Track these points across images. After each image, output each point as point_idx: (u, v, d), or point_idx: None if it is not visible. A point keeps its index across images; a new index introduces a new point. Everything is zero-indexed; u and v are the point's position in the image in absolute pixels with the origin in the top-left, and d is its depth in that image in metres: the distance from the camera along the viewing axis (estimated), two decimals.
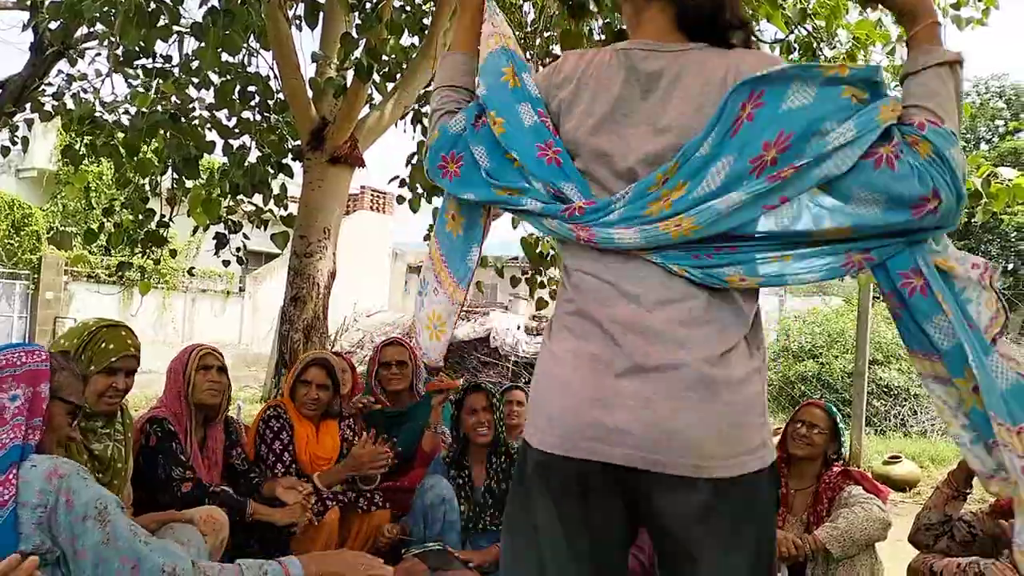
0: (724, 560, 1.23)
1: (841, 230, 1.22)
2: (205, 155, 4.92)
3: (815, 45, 3.96)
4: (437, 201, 5.20)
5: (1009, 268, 18.01)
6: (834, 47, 4.17)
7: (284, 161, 5.19)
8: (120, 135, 4.90)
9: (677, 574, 1.29)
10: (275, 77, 4.62)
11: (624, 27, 3.37)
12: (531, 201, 1.35)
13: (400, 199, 5.35)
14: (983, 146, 19.11)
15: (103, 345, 2.28)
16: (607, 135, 1.31)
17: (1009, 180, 3.76)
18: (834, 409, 2.91)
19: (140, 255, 5.44)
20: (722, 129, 1.21)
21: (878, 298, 9.85)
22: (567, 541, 1.28)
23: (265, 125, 5.13)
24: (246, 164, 5.01)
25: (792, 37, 3.99)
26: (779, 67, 1.20)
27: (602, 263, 1.30)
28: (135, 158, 4.72)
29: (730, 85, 1.22)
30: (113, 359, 2.29)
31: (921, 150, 1.17)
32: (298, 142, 4.79)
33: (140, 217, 5.28)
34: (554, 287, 5.13)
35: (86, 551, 1.54)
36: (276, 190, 5.28)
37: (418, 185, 5.15)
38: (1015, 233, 17.43)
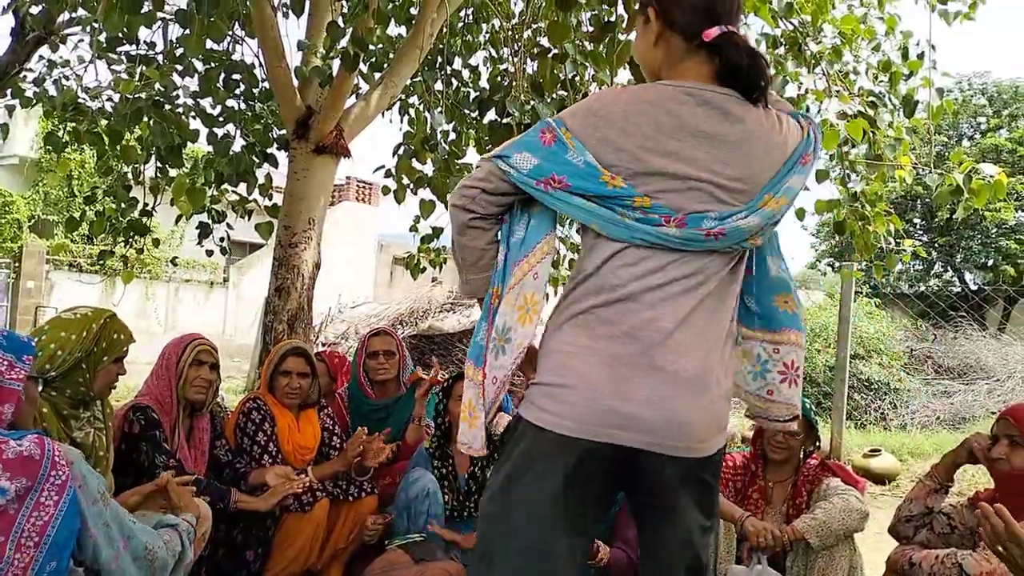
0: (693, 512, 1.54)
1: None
2: (189, 143, 4.88)
3: (801, 40, 3.97)
4: (423, 192, 5.17)
5: (989, 264, 18.16)
6: (819, 42, 4.18)
7: (269, 150, 5.16)
8: (103, 122, 4.85)
9: (656, 522, 1.57)
10: (260, 65, 4.58)
11: (611, 20, 3.35)
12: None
13: (385, 189, 5.32)
14: (965, 143, 19.21)
15: (115, 336, 2.31)
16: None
17: (990, 177, 3.79)
18: (806, 404, 2.88)
19: (123, 244, 5.40)
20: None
21: (860, 293, 9.94)
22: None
23: (250, 114, 5.09)
24: (231, 153, 4.98)
25: (778, 32, 4.01)
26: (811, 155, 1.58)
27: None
28: (118, 146, 4.68)
29: (786, 152, 1.54)
30: (124, 348, 2.33)
31: None
32: (283, 131, 4.75)
33: (123, 206, 5.23)
34: None
35: (96, 531, 1.62)
36: (261, 179, 5.24)
37: (403, 176, 5.12)
38: (995, 229, 17.58)
